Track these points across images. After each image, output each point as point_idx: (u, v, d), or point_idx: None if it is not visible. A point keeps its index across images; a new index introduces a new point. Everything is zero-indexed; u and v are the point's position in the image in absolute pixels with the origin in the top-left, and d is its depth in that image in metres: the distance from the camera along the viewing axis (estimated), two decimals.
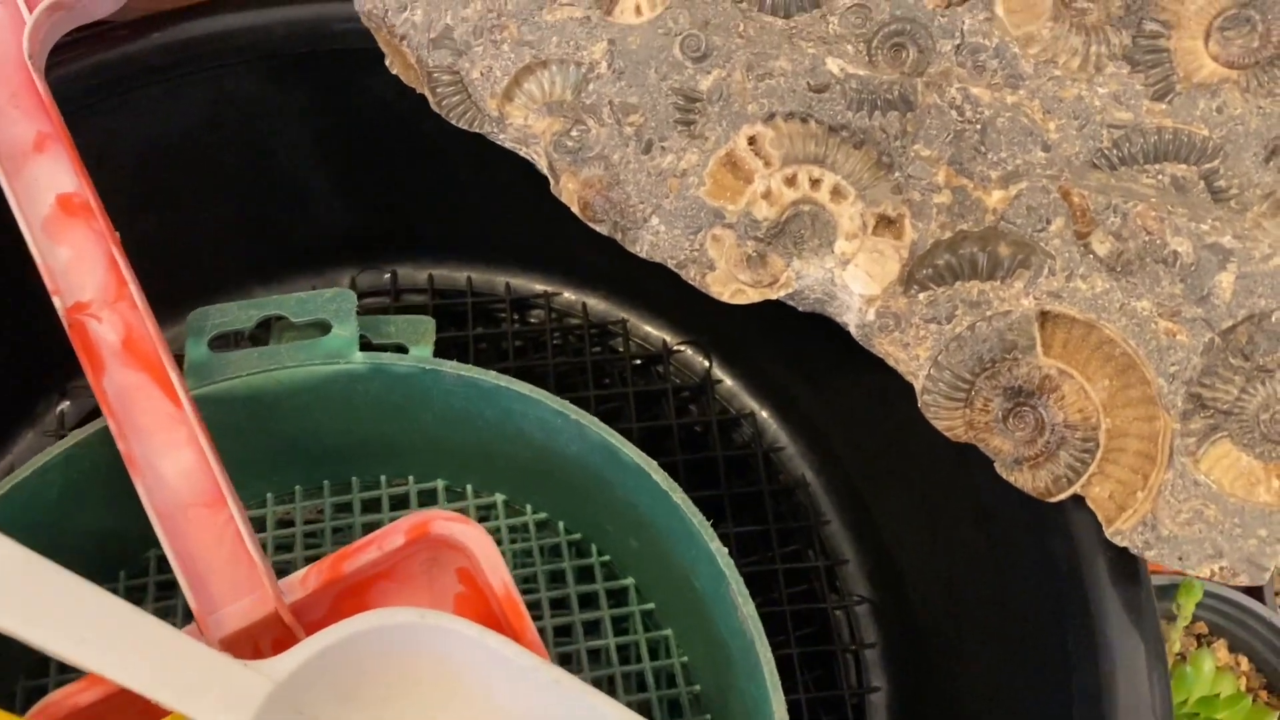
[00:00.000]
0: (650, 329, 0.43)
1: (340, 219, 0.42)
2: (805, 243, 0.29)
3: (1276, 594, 0.50)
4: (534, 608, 0.33)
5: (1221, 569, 0.27)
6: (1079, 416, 0.28)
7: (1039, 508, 0.29)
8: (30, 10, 0.30)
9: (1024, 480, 0.29)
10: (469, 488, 0.35)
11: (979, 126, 0.29)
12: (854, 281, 0.29)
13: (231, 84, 0.37)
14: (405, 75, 0.32)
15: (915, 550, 0.37)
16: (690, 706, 0.32)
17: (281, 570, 0.28)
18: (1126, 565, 0.29)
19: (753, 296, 0.30)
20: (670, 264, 0.30)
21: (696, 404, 0.43)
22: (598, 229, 0.30)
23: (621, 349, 0.43)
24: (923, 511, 0.36)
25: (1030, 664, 0.30)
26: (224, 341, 0.31)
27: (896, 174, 0.29)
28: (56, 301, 0.28)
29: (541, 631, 0.30)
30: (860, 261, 0.29)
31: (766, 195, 0.30)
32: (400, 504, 0.34)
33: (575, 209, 0.30)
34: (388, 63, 0.32)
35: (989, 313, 0.29)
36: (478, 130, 0.31)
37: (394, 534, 0.27)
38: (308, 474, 0.34)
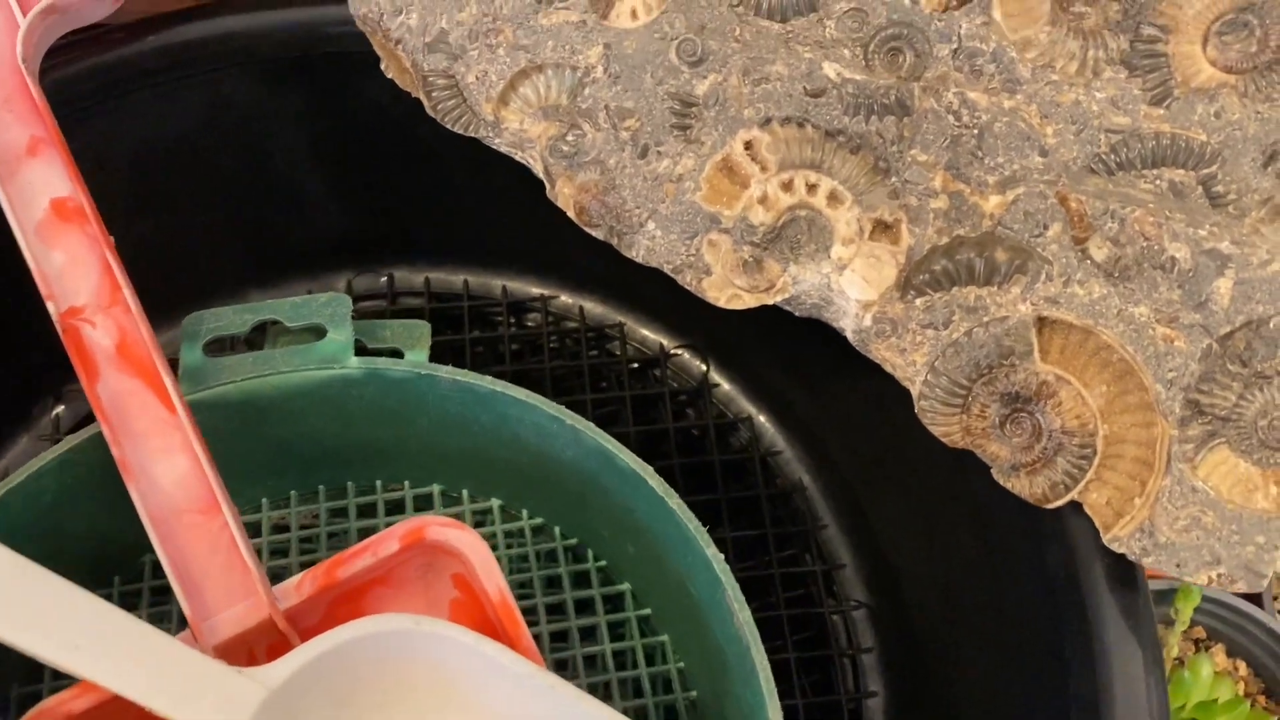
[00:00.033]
0: (647, 332, 0.43)
1: (336, 222, 0.42)
2: (802, 248, 0.29)
3: (1275, 599, 0.50)
4: (529, 613, 0.33)
5: (1219, 576, 0.27)
6: (1076, 423, 0.28)
7: (1036, 514, 0.29)
8: (24, 14, 0.30)
9: (1021, 486, 0.29)
10: (465, 493, 0.35)
11: (976, 131, 0.29)
12: (850, 287, 0.29)
13: (227, 88, 0.37)
14: (401, 79, 0.32)
15: (912, 555, 0.37)
16: (686, 712, 0.32)
17: (276, 576, 0.28)
18: (1124, 571, 0.29)
19: (749, 301, 0.30)
20: (666, 269, 0.30)
21: (694, 408, 0.43)
22: (594, 234, 0.30)
23: (618, 352, 0.43)
24: (920, 517, 0.36)
25: (1027, 670, 0.30)
26: (219, 346, 0.31)
27: (893, 179, 0.29)
28: (50, 307, 0.28)
29: (537, 637, 0.30)
30: (857, 267, 0.29)
31: (763, 200, 0.29)
32: (396, 509, 0.34)
33: (571, 213, 0.30)
34: (383, 67, 0.32)
35: (986, 318, 0.29)
36: (473, 135, 0.31)
37: (389, 540, 0.27)
38: (303, 479, 0.34)
